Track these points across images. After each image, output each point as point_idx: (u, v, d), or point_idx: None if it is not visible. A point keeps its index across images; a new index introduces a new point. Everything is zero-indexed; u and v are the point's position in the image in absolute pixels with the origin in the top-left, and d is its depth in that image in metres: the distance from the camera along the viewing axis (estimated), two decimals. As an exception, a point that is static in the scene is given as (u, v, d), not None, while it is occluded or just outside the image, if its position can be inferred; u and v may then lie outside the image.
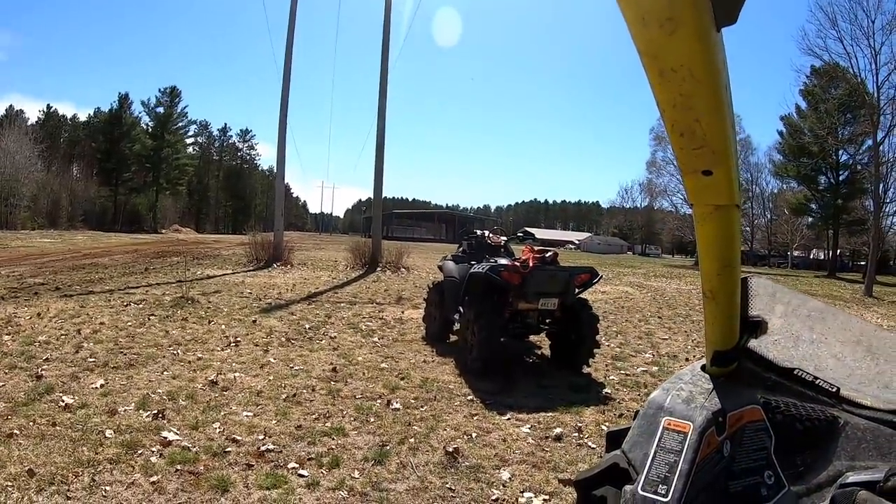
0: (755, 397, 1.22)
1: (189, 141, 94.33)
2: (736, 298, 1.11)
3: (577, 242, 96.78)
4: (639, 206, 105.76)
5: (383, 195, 22.93)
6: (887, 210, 43.84)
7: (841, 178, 53.45)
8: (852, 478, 1.07)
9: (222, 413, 4.92)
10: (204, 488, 3.61)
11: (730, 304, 1.11)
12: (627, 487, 1.08)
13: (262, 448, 4.22)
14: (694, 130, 0.78)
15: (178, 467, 3.85)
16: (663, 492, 1.02)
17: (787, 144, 55.18)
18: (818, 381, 1.29)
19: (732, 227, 0.95)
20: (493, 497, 3.79)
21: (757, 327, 1.28)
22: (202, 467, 3.88)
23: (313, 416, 5.00)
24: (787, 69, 75.88)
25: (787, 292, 1.60)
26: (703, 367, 1.29)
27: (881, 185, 36.67)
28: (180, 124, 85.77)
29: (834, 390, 1.27)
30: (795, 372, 1.30)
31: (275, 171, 25.21)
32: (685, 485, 1.02)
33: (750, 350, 1.32)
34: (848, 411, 1.24)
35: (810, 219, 61.89)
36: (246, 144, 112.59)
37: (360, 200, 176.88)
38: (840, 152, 51.01)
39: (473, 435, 4.79)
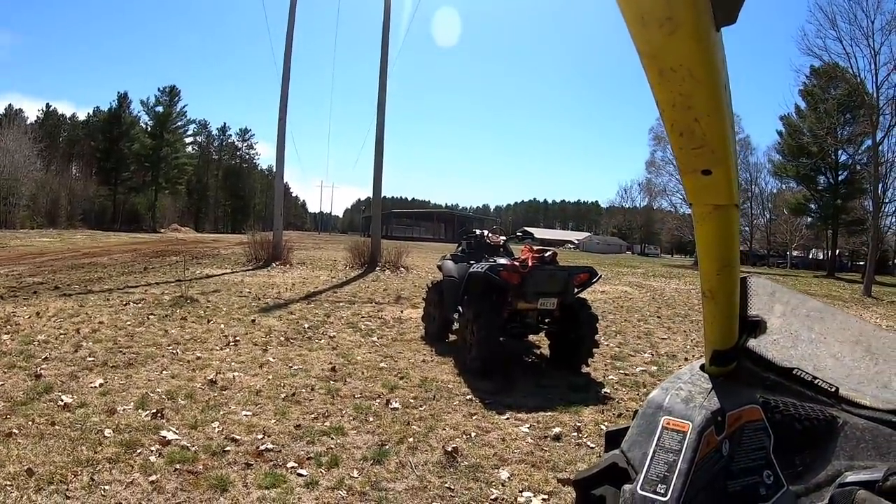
0: (754, 397, 1.22)
1: (188, 140, 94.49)
2: (735, 298, 1.11)
3: (576, 242, 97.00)
4: (638, 205, 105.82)
5: (382, 195, 22.91)
6: (886, 210, 44.03)
7: (840, 178, 53.54)
8: (851, 477, 1.07)
9: (221, 412, 4.92)
10: (203, 487, 3.61)
11: (729, 303, 1.11)
12: (626, 487, 1.08)
13: (261, 447, 4.22)
14: (693, 130, 0.78)
15: (177, 466, 3.85)
16: (662, 491, 1.02)
17: (787, 144, 55.27)
18: (817, 380, 1.29)
19: (731, 227, 0.94)
20: (492, 496, 3.79)
21: (756, 327, 1.28)
22: (201, 466, 3.88)
23: (312, 416, 5.00)
24: (787, 69, 75.64)
25: (787, 292, 1.60)
26: (703, 367, 1.29)
27: (880, 186, 36.84)
28: (179, 123, 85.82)
29: (833, 390, 1.27)
30: (794, 371, 1.30)
31: (274, 170, 25.20)
32: (684, 484, 1.02)
33: (749, 350, 1.32)
34: (847, 411, 1.24)
35: (809, 219, 62.00)
36: (245, 144, 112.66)
37: (359, 200, 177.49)
38: (839, 152, 51.10)
39: (472, 434, 4.79)
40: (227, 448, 4.20)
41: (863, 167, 48.46)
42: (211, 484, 3.64)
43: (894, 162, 41.01)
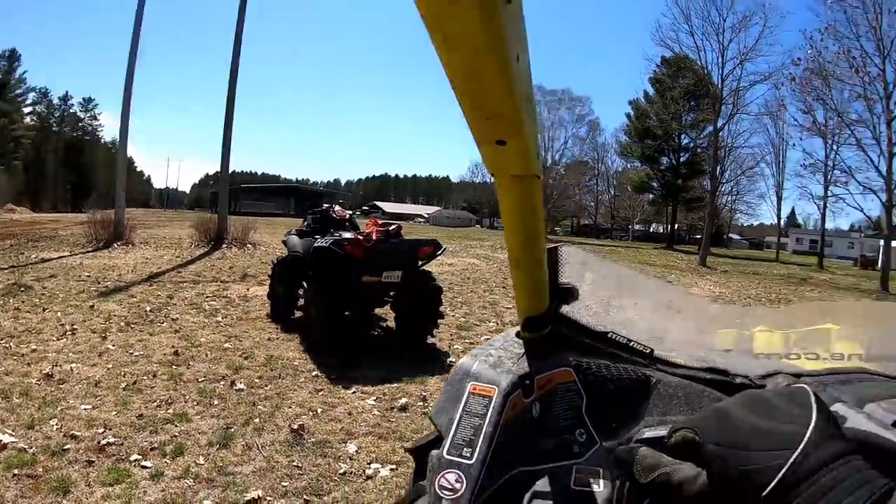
0: (567, 360, 1.27)
1: (27, 110, 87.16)
2: (543, 266, 1.15)
3: (426, 216, 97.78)
4: (488, 181, 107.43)
5: (231, 169, 22.13)
6: (723, 189, 48.20)
7: (682, 160, 57.44)
8: (648, 434, 1.14)
9: (59, 408, 4.70)
10: (44, 492, 3.46)
11: (536, 271, 1.15)
12: (434, 452, 1.11)
13: (103, 442, 4.10)
14: (483, 101, 0.78)
15: (16, 472, 3.66)
16: (468, 454, 1.06)
17: (634, 127, 58.91)
18: (632, 342, 1.36)
19: (534, 198, 0.97)
20: (341, 471, 3.87)
21: (568, 294, 1.34)
22: (41, 469, 3.72)
23: (155, 404, 4.89)
24: (640, 58, 79.46)
25: (598, 261, 1.67)
26: (518, 334, 1.33)
27: (718, 167, 40.54)
28: (17, 92, 79.13)
29: (648, 351, 1.35)
30: (609, 335, 1.37)
31: (118, 143, 23.71)
32: (489, 446, 1.06)
33: (563, 315, 1.37)
34: (661, 370, 1.32)
35: (651, 196, 66.01)
36: (88, 114, 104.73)
37: (207, 174, 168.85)
38: (682, 136, 54.92)
39: (319, 410, 4.87)
40: (67, 446, 4.04)
41: (703, 150, 52.79)
42: (52, 487, 3.50)
43: (732, 146, 45.19)
